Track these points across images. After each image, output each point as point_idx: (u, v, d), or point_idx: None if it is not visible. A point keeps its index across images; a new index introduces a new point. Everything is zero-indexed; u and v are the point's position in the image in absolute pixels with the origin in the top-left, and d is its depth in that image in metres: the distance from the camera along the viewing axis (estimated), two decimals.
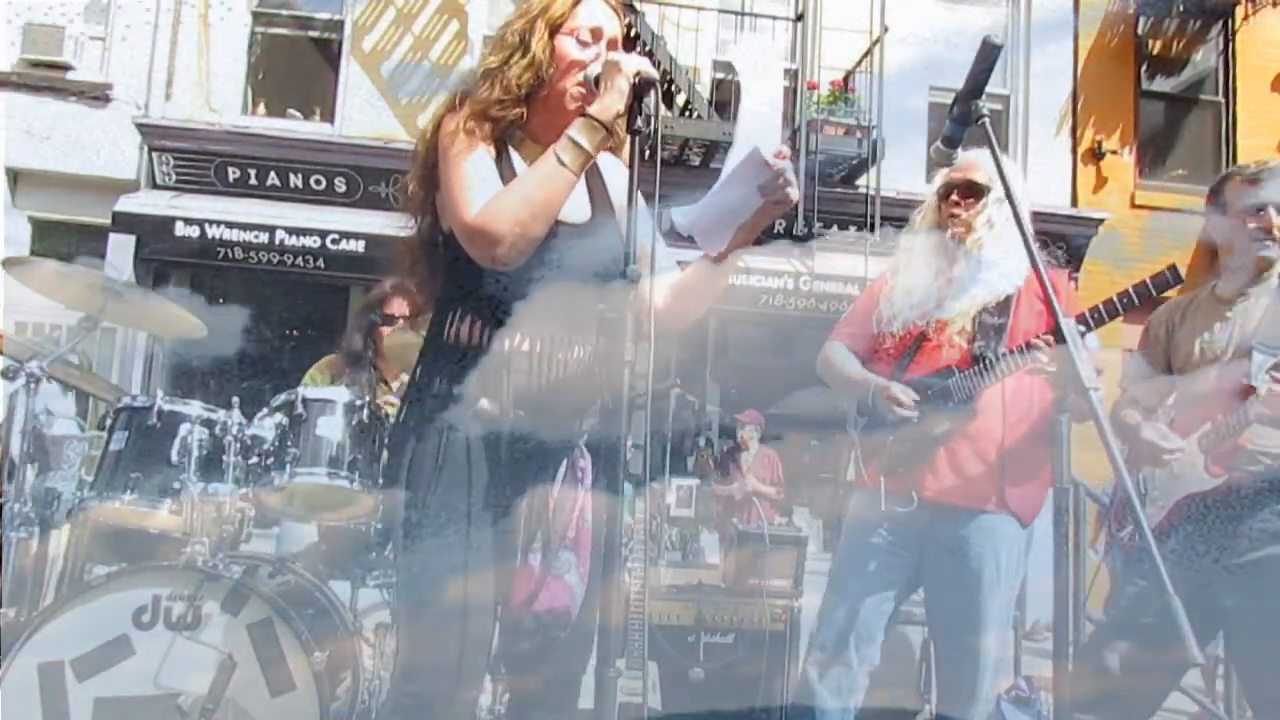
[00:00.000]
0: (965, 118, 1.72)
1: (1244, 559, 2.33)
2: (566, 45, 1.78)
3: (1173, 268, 2.31)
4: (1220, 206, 2.54)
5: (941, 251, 2.58)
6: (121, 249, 8.45)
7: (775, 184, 1.65)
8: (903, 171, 9.16)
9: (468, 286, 1.75)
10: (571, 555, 1.75)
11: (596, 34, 1.79)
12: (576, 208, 1.79)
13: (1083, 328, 2.29)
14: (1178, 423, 2.49)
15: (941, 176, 2.61)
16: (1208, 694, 4.18)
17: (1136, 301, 2.33)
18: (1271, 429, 2.35)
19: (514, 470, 1.73)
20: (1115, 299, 2.34)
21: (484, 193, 1.67)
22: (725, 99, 9.50)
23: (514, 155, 1.80)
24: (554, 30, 1.78)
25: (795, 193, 1.66)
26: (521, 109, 1.78)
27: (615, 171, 1.92)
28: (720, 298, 1.87)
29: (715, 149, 8.90)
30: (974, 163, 2.53)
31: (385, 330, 3.43)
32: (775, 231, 8.51)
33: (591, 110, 1.68)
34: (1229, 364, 2.44)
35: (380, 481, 2.58)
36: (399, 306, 3.37)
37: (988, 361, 2.44)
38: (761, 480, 7.46)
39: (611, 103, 1.66)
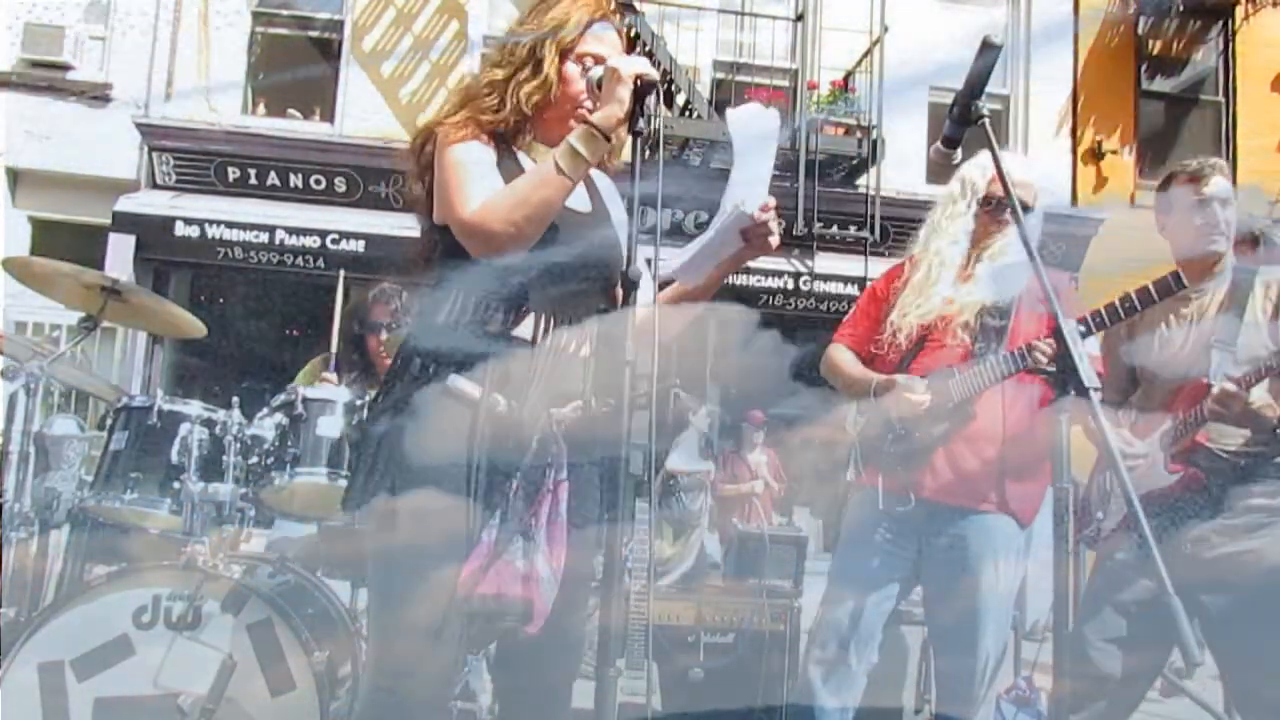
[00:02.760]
0: (965, 118, 1.72)
1: (1214, 554, 2.34)
2: (573, 74, 1.80)
3: (1175, 274, 2.30)
4: (1167, 205, 2.57)
5: (966, 254, 2.58)
6: (121, 249, 8.45)
7: (758, 232, 1.74)
8: (903, 171, 9.17)
9: (459, 269, 1.74)
10: (533, 543, 1.71)
11: (600, 61, 1.80)
12: (580, 198, 1.81)
13: (1083, 328, 2.29)
14: (1140, 422, 2.51)
15: (979, 182, 2.58)
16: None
17: (1139, 306, 2.33)
18: (1231, 427, 2.36)
19: (487, 454, 1.69)
20: (1117, 303, 2.34)
21: (481, 190, 1.68)
22: (725, 99, 9.51)
23: (521, 157, 1.81)
24: (564, 53, 1.79)
25: (775, 240, 1.75)
26: (522, 120, 1.80)
27: (607, 186, 1.94)
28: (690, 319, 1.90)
29: (715, 148, 8.90)
30: (1025, 182, 2.54)
31: (372, 338, 3.45)
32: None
33: (592, 118, 1.68)
34: (1187, 361, 2.46)
35: (353, 464, 2.55)
36: (381, 313, 3.40)
37: (988, 362, 2.44)
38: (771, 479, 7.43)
39: (613, 111, 1.66)
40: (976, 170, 2.56)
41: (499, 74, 1.80)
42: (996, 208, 2.54)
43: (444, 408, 1.69)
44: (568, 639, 1.80)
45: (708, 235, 1.77)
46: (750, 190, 1.72)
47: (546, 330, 1.74)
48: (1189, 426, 2.39)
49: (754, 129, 1.75)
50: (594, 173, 1.91)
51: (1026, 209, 2.53)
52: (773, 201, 1.73)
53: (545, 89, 1.77)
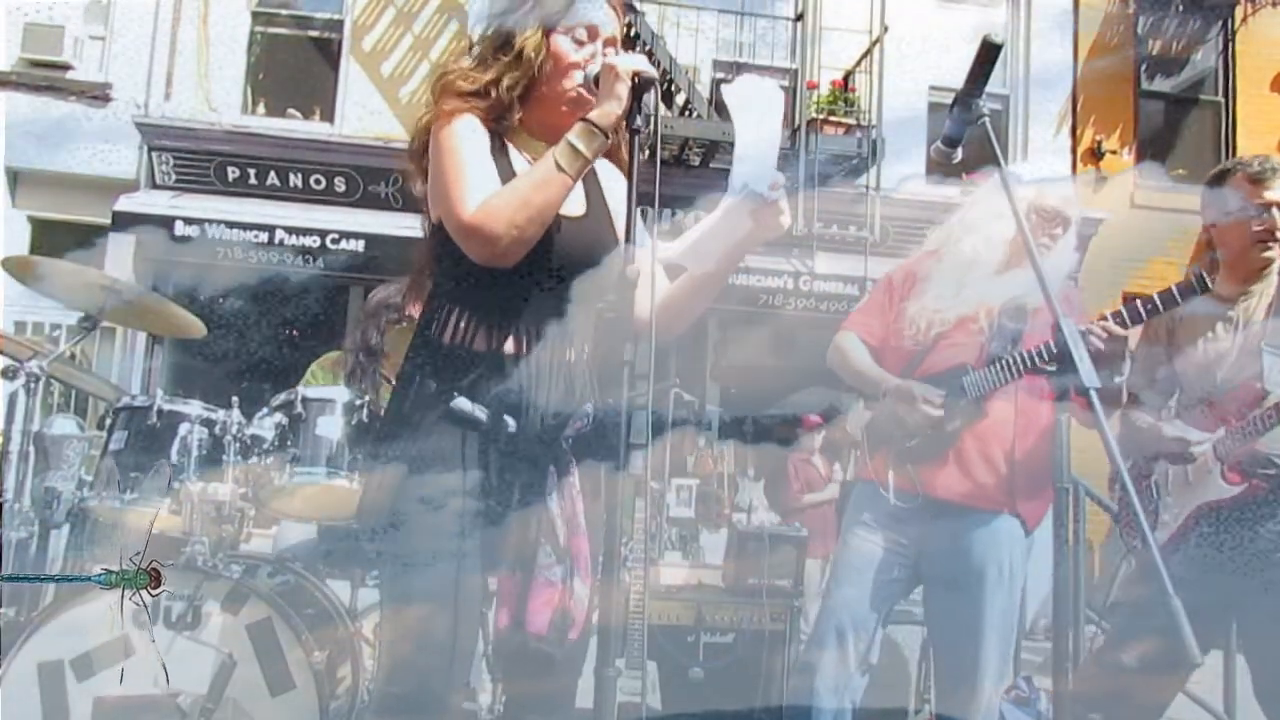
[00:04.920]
0: (965, 117, 1.72)
1: (1261, 557, 2.31)
2: (562, 45, 1.76)
3: (1200, 276, 2.28)
4: (1221, 202, 2.48)
5: (1003, 258, 2.57)
6: (121, 249, 8.45)
7: (769, 212, 1.68)
8: (903, 171, 9.16)
9: (457, 281, 1.73)
10: (565, 558, 1.72)
11: (593, 33, 1.77)
12: (574, 202, 1.77)
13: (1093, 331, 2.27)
14: (1186, 424, 2.47)
15: (1028, 192, 2.56)
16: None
17: (1161, 308, 2.31)
18: None
19: (497, 473, 1.69)
20: (1139, 303, 2.32)
21: (479, 190, 1.65)
22: (725, 83, 9.50)
23: (511, 150, 1.78)
24: (548, 30, 1.76)
25: (787, 219, 1.69)
26: (509, 106, 1.77)
27: (609, 173, 1.90)
28: (706, 308, 1.86)
29: (715, 149, 8.90)
30: (1069, 197, 2.55)
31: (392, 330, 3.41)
32: None
33: (591, 116, 1.66)
34: (1236, 365, 2.41)
35: (365, 477, 2.55)
36: (417, 308, 3.34)
37: (1004, 361, 2.44)
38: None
39: (611, 108, 1.63)
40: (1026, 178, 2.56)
41: (482, 58, 1.78)
42: (1043, 218, 2.53)
43: (454, 432, 1.67)
44: (582, 641, 1.80)
45: (713, 218, 1.72)
46: (757, 167, 1.67)
47: (542, 343, 1.72)
48: (1249, 435, 2.33)
49: (753, 100, 1.69)
50: (601, 172, 1.88)
51: (1067, 222, 2.54)
52: (782, 179, 1.68)
53: (526, 71, 1.74)
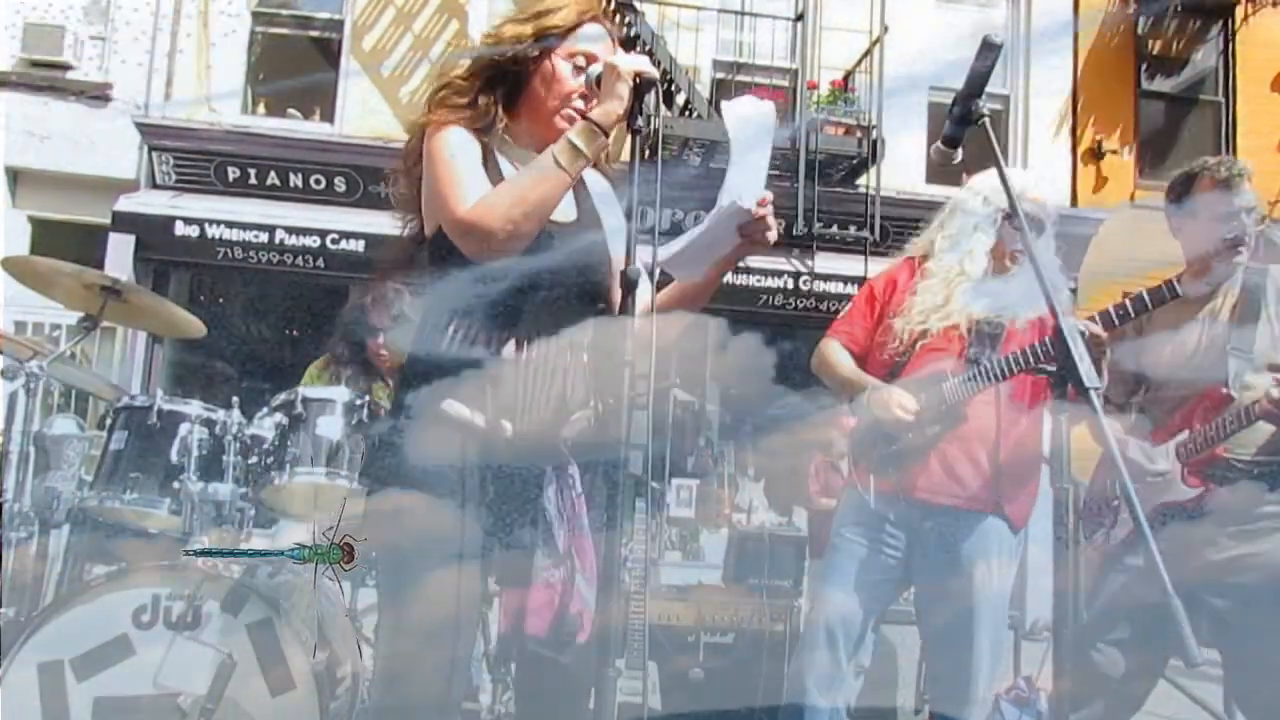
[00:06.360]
0: (965, 118, 1.72)
1: (1222, 556, 2.34)
2: (562, 69, 1.78)
3: (1169, 282, 2.30)
4: (1188, 207, 2.50)
5: (985, 267, 2.58)
6: (121, 249, 8.45)
7: (755, 227, 1.72)
8: (903, 171, 9.16)
9: (453, 291, 1.73)
10: (569, 560, 1.73)
11: (592, 60, 1.79)
12: (564, 208, 1.78)
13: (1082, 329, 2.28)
14: (1151, 428, 2.48)
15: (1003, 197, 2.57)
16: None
17: (1132, 314, 2.33)
18: (1246, 436, 2.34)
19: (494, 478, 1.70)
20: (1111, 309, 2.33)
21: (474, 186, 1.66)
22: (725, 99, 9.50)
23: (501, 161, 1.78)
24: (548, 51, 1.78)
25: (773, 235, 1.73)
26: (498, 119, 1.78)
27: (597, 181, 1.91)
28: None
29: (715, 149, 8.90)
30: (1040, 199, 2.55)
31: (371, 342, 3.42)
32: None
33: (593, 115, 1.67)
34: (1201, 366, 2.42)
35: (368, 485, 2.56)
36: (381, 318, 3.35)
37: (983, 366, 2.44)
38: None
39: (612, 108, 1.65)
40: (999, 184, 2.55)
41: (479, 70, 1.79)
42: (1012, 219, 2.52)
43: (450, 437, 1.68)
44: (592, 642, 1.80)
45: (701, 228, 1.74)
46: (746, 184, 1.69)
47: (534, 346, 1.72)
48: (1210, 439, 2.35)
49: (750, 121, 1.72)
50: (590, 179, 1.88)
51: (1042, 226, 2.53)
52: (769, 195, 1.71)
53: (502, 71, 1.76)
